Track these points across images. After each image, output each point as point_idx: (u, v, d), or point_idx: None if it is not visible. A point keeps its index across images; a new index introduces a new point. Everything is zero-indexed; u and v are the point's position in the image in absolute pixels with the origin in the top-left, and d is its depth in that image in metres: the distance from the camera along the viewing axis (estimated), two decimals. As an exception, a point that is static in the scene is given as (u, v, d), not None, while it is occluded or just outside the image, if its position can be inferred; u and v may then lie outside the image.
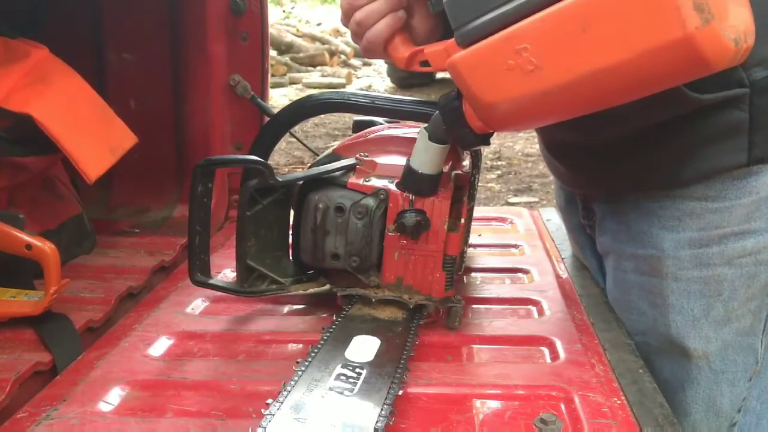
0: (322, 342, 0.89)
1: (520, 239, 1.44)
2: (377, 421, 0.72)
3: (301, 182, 1.03)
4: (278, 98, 7.02)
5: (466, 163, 1.06)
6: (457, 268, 1.04)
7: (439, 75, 8.24)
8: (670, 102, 0.86)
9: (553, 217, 1.56)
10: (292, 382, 0.78)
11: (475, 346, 0.99)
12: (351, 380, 0.80)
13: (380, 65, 8.92)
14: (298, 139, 1.89)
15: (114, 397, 0.84)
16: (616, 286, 1.08)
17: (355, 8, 0.88)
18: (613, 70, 0.70)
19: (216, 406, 0.82)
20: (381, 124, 1.14)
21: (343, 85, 8.01)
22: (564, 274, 1.24)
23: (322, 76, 8.53)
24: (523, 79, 0.74)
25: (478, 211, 1.77)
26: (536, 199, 4.01)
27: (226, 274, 1.23)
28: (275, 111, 1.22)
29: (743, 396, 1.02)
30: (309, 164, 1.12)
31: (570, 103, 0.77)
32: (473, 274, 1.26)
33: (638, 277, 1.02)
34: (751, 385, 1.01)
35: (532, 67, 0.73)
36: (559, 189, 1.27)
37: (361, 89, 7.84)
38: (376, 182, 0.99)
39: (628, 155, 0.98)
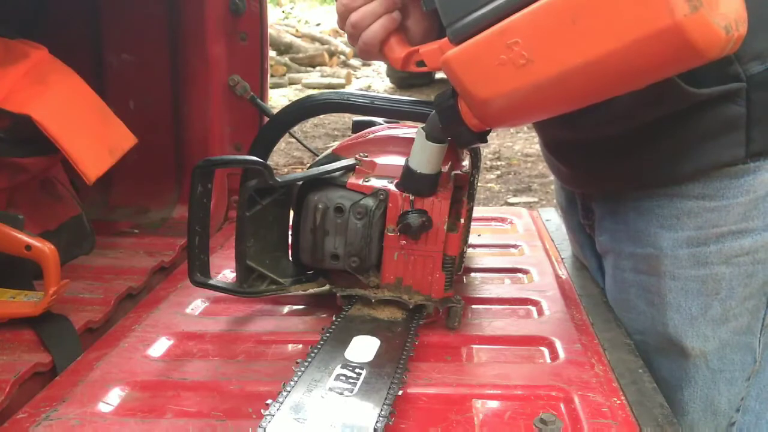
0: (321, 342, 0.89)
1: (520, 239, 1.44)
2: (377, 422, 0.72)
3: (300, 183, 1.03)
4: (277, 99, 7.02)
5: (466, 163, 1.06)
6: (456, 268, 1.04)
7: (438, 75, 8.24)
8: (667, 97, 0.86)
9: (552, 217, 1.56)
10: (292, 383, 0.78)
11: (475, 346, 0.99)
12: (351, 380, 0.80)
13: (379, 66, 8.91)
14: (297, 140, 1.89)
15: (114, 397, 0.84)
16: (614, 285, 1.08)
17: (350, 10, 0.88)
18: (603, 61, 0.70)
19: (216, 406, 0.82)
20: (380, 124, 1.14)
21: (342, 86, 8.01)
22: (563, 274, 1.24)
23: (322, 76, 8.52)
24: (516, 74, 0.74)
25: (478, 212, 1.77)
26: (536, 199, 4.01)
27: (226, 274, 1.23)
28: (274, 111, 1.22)
29: (742, 395, 1.02)
30: (308, 165, 1.12)
31: (563, 96, 0.77)
32: (473, 275, 1.26)
33: (636, 276, 1.02)
34: (749, 384, 1.01)
35: (524, 61, 0.73)
36: (560, 188, 1.27)
37: (361, 89, 7.84)
38: (376, 182, 0.99)
39: (627, 152, 0.98)
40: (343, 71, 8.72)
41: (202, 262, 1.02)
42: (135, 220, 1.57)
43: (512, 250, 1.40)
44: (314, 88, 7.86)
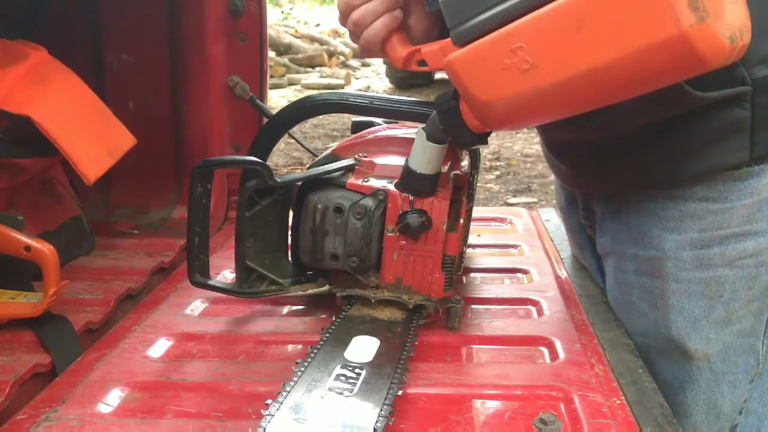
0: (321, 343, 0.89)
1: (520, 239, 1.44)
2: (377, 422, 0.72)
3: (299, 183, 1.03)
4: (277, 99, 7.02)
5: (465, 163, 1.06)
6: (456, 268, 1.04)
7: (438, 75, 8.24)
8: (672, 100, 0.86)
9: (552, 217, 1.56)
10: (292, 383, 0.78)
11: (475, 347, 0.99)
12: (350, 380, 0.80)
13: (379, 66, 8.92)
14: (296, 140, 1.88)
15: (113, 398, 0.84)
16: (616, 287, 1.08)
17: (351, 8, 0.88)
18: (608, 68, 0.70)
19: (216, 407, 0.82)
20: (380, 125, 1.14)
21: (341, 86, 8.01)
22: (563, 274, 1.24)
23: (321, 77, 8.53)
24: (519, 78, 0.74)
25: (478, 212, 1.77)
26: (535, 200, 4.01)
27: (226, 275, 1.23)
28: (274, 112, 1.22)
29: (744, 398, 1.02)
30: (308, 165, 1.13)
31: (566, 102, 0.77)
32: (473, 275, 1.26)
33: (639, 278, 1.02)
34: (752, 386, 1.01)
35: (528, 66, 0.73)
36: (560, 188, 1.27)
37: (360, 90, 7.85)
38: (375, 183, 0.99)
39: (630, 153, 0.98)
40: (343, 72, 8.72)
41: (202, 263, 1.02)
42: (135, 220, 1.57)
43: (512, 250, 1.40)
44: (313, 88, 7.87)
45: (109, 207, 1.62)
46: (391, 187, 0.98)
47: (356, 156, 1.03)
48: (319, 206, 0.99)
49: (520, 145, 5.22)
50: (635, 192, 1.00)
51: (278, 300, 1.11)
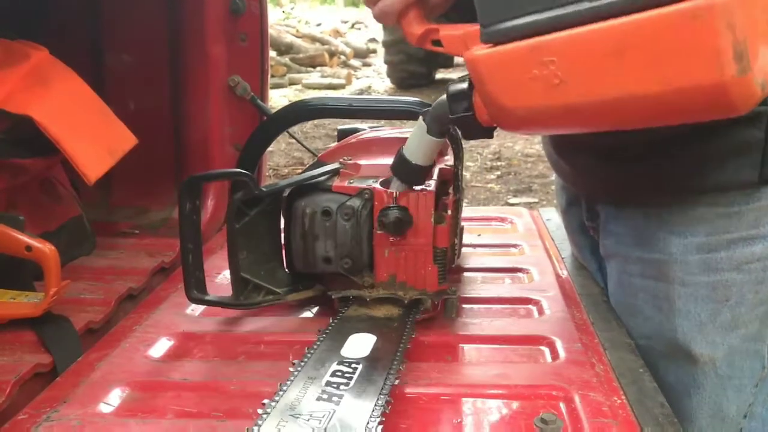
0: (318, 342, 0.89)
1: (520, 239, 1.44)
2: (373, 410, 0.72)
3: (287, 191, 1.03)
4: (278, 99, 7.01)
5: (449, 156, 1.07)
6: (449, 260, 1.05)
7: (438, 76, 8.24)
8: None
9: (553, 217, 1.56)
10: (288, 382, 0.78)
11: (475, 346, 0.99)
12: (347, 375, 0.80)
13: (380, 66, 8.91)
14: (297, 140, 1.89)
15: (114, 398, 0.84)
16: (620, 290, 1.08)
17: None
18: (639, 99, 0.68)
19: (216, 406, 0.82)
20: (365, 130, 1.16)
21: (343, 86, 8.01)
22: (564, 274, 1.24)
23: (322, 76, 8.53)
24: (546, 91, 0.72)
25: (478, 211, 1.77)
26: (536, 200, 4.01)
27: (226, 275, 1.23)
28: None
29: (749, 402, 1.01)
30: (303, 169, 1.13)
31: (588, 121, 0.76)
32: (473, 274, 1.26)
33: (644, 281, 1.02)
34: (757, 390, 1.01)
35: (557, 82, 0.71)
36: (561, 189, 1.27)
37: (361, 90, 7.84)
38: (360, 183, 1.00)
39: (639, 161, 0.98)
40: (344, 71, 8.72)
41: (198, 279, 1.03)
42: (135, 220, 1.57)
43: (513, 249, 1.40)
44: (314, 88, 7.87)
45: (109, 207, 1.62)
46: (377, 185, 0.99)
47: (341, 160, 1.05)
48: (307, 211, 1.00)
49: (521, 145, 5.22)
50: (643, 197, 1.00)
51: (279, 300, 1.11)
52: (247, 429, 0.70)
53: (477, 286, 1.20)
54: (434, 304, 1.02)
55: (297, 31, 10.53)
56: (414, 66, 7.40)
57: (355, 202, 0.99)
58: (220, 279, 1.22)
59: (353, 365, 0.83)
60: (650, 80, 0.67)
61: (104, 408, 0.82)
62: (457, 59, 9.18)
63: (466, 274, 1.26)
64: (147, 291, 1.25)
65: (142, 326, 1.04)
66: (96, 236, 1.42)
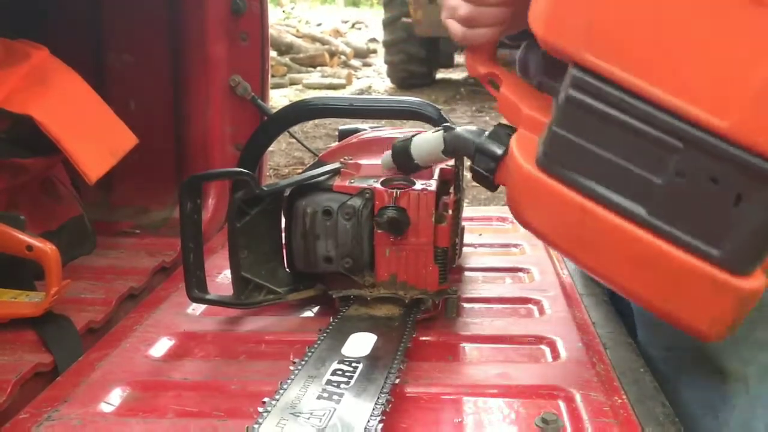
0: (319, 341, 0.89)
1: (521, 239, 1.44)
2: (374, 409, 0.72)
3: (288, 190, 1.03)
4: (278, 99, 7.01)
5: None
6: (450, 260, 1.05)
7: (439, 76, 8.24)
8: None
9: (553, 217, 1.56)
10: (289, 381, 0.79)
11: (476, 346, 0.99)
12: (347, 374, 0.81)
13: (380, 66, 8.90)
14: (298, 140, 1.89)
15: (115, 397, 0.84)
16: None
17: (475, 1, 0.81)
18: (636, 294, 0.73)
19: (217, 406, 0.82)
20: (366, 130, 1.16)
21: (343, 86, 8.00)
22: (564, 274, 1.24)
23: (323, 76, 8.52)
24: (568, 237, 0.75)
25: (479, 211, 1.77)
26: (537, 199, 4.00)
27: (227, 275, 1.23)
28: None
29: None
30: (305, 168, 1.14)
31: (589, 272, 0.79)
32: (474, 274, 1.26)
33: None
34: None
35: (582, 240, 0.73)
36: None
37: (361, 90, 7.84)
38: (361, 182, 1.00)
39: None
40: (344, 71, 8.71)
41: (199, 279, 1.03)
42: (136, 220, 1.57)
43: (513, 249, 1.40)
44: (315, 88, 7.86)
45: (110, 206, 1.62)
46: (377, 185, 0.99)
47: (342, 159, 1.05)
48: (308, 210, 1.00)
49: (521, 145, 5.21)
50: None
51: (279, 299, 1.11)
52: (248, 427, 0.70)
53: (478, 285, 1.20)
54: (435, 303, 1.01)
55: (297, 31, 10.53)
56: (414, 66, 7.39)
57: (356, 202, 0.99)
58: (221, 278, 1.22)
59: (354, 364, 0.83)
60: (652, 292, 0.71)
61: (105, 407, 0.82)
62: (457, 59, 9.14)
63: (467, 273, 1.26)
64: (148, 290, 1.25)
65: (142, 326, 1.04)
66: (97, 236, 1.42)
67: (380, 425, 0.71)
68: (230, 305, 1.05)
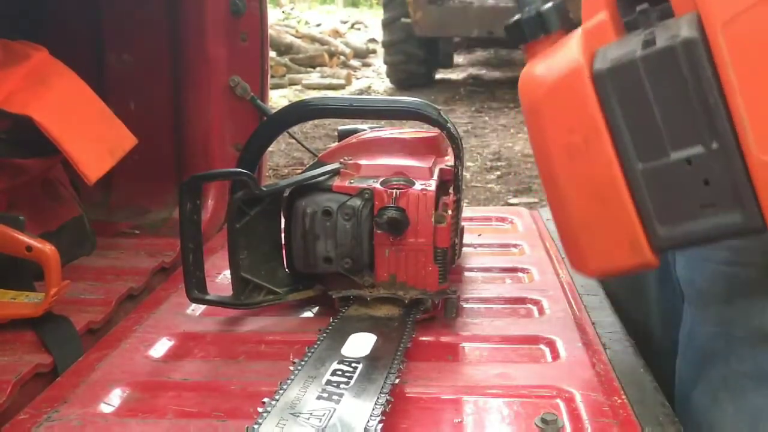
0: (318, 342, 0.89)
1: (520, 239, 1.44)
2: (374, 409, 0.72)
3: (287, 190, 1.03)
4: (277, 99, 7.01)
5: (449, 157, 1.07)
6: (450, 260, 1.05)
7: (438, 76, 8.24)
8: None
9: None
10: (288, 381, 0.79)
11: (476, 346, 0.99)
12: (347, 374, 0.81)
13: (380, 66, 8.90)
14: (297, 141, 1.89)
15: (115, 398, 0.84)
16: (695, 274, 1.02)
17: None
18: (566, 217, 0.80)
19: (217, 406, 0.82)
20: (365, 131, 1.16)
21: (342, 86, 8.00)
22: (564, 274, 1.24)
23: (322, 77, 8.52)
24: (561, 148, 0.77)
25: (478, 211, 1.77)
26: (536, 200, 4.01)
27: (226, 275, 1.23)
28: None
29: None
30: (303, 169, 1.14)
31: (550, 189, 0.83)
32: (474, 274, 1.26)
33: (730, 267, 0.96)
34: None
35: (576, 157, 0.77)
36: None
37: (361, 90, 7.84)
38: (361, 183, 1.00)
39: None
40: (343, 72, 8.71)
41: (198, 279, 1.03)
42: (135, 220, 1.57)
43: (513, 249, 1.40)
44: (314, 88, 7.86)
45: (110, 207, 1.62)
46: (377, 185, 0.99)
47: (341, 160, 1.05)
48: (308, 211, 1.00)
49: (521, 146, 5.22)
50: None
51: (279, 300, 1.11)
52: (248, 428, 0.70)
53: (477, 285, 1.20)
54: (435, 303, 1.02)
55: (296, 31, 10.51)
56: (414, 66, 7.38)
57: (356, 202, 0.99)
58: (221, 279, 1.22)
59: (353, 364, 0.83)
60: (588, 223, 0.78)
61: (105, 408, 0.82)
62: (457, 59, 9.12)
63: (466, 273, 1.26)
64: (147, 291, 1.25)
65: (142, 326, 1.04)
66: (96, 236, 1.42)
67: (380, 425, 0.71)
68: (230, 306, 1.05)
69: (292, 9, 14.33)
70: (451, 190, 1.05)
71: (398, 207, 0.97)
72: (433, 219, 0.98)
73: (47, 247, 1.02)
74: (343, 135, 1.18)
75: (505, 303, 1.13)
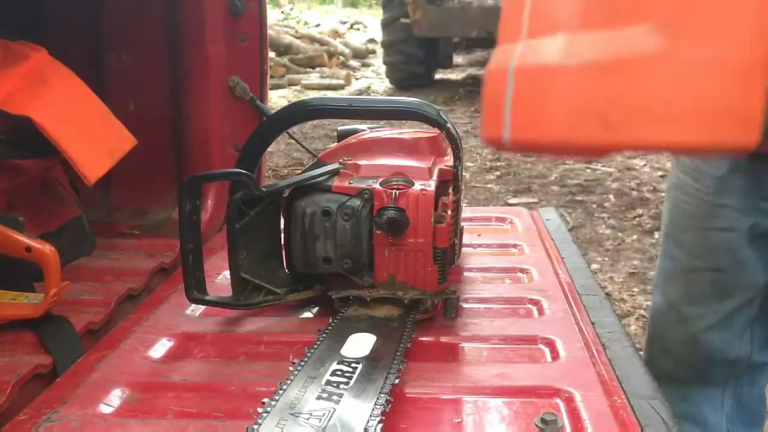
0: (318, 342, 0.89)
1: (520, 239, 1.44)
2: (373, 409, 0.72)
3: (287, 191, 1.03)
4: (277, 99, 7.01)
5: (449, 157, 1.07)
6: (449, 260, 1.05)
7: (437, 76, 8.24)
8: None
9: (552, 217, 1.56)
10: (288, 381, 0.79)
11: (476, 346, 0.99)
12: (347, 374, 0.81)
13: (379, 66, 8.91)
14: (297, 141, 1.89)
15: (114, 399, 0.84)
16: None
17: None
18: None
19: (216, 407, 0.82)
20: (365, 131, 1.16)
21: (342, 87, 8.00)
22: (564, 274, 1.24)
23: (321, 77, 8.52)
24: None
25: (478, 211, 1.77)
26: (535, 200, 4.01)
27: (226, 275, 1.23)
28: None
29: None
30: (302, 170, 1.14)
31: None
32: (473, 274, 1.26)
33: None
34: None
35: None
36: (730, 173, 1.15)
37: (360, 90, 7.84)
38: (360, 183, 1.00)
39: None
40: (343, 72, 8.71)
41: (198, 280, 1.03)
42: (135, 221, 1.57)
43: (512, 249, 1.40)
44: (314, 89, 7.86)
45: (109, 208, 1.62)
46: (377, 185, 0.99)
47: (341, 160, 1.05)
48: (308, 211, 1.00)
49: (520, 145, 5.22)
50: None
51: (279, 300, 1.11)
52: (247, 428, 0.70)
53: (477, 286, 1.20)
54: (434, 304, 1.02)
55: (296, 31, 10.52)
56: (413, 66, 7.39)
57: (355, 202, 0.99)
58: (220, 279, 1.22)
59: (353, 365, 0.83)
60: None
61: (104, 409, 0.82)
62: (456, 59, 9.12)
63: (466, 274, 1.26)
64: (147, 291, 1.25)
65: (142, 327, 1.04)
66: (96, 237, 1.42)
67: (380, 426, 0.71)
68: (229, 306, 1.05)
69: (291, 9, 14.33)
70: (450, 190, 1.05)
71: (398, 207, 0.97)
72: (432, 219, 0.98)
73: (47, 248, 1.01)
74: (343, 135, 1.18)
75: (505, 303, 1.13)
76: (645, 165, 4.50)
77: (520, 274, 1.26)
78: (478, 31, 6.73)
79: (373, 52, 10.48)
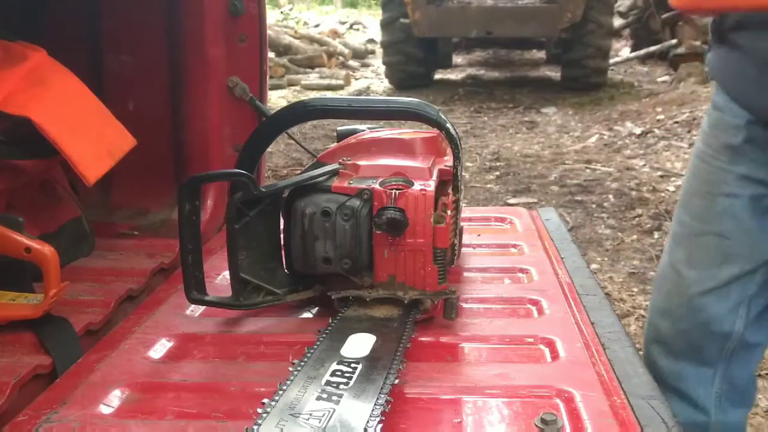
0: (318, 343, 0.89)
1: (520, 239, 1.44)
2: (373, 410, 0.72)
3: (286, 191, 1.03)
4: (276, 100, 7.00)
5: (448, 157, 1.07)
6: (449, 261, 1.05)
7: (437, 76, 8.24)
8: None
9: (552, 217, 1.56)
10: (288, 382, 0.79)
11: (475, 346, 0.99)
12: (347, 375, 0.81)
13: (378, 66, 8.90)
14: (296, 141, 1.89)
15: (114, 399, 0.84)
16: None
17: None
18: None
19: (216, 407, 0.82)
20: (364, 131, 1.16)
21: (341, 87, 8.00)
22: (563, 274, 1.24)
23: (321, 77, 8.51)
24: None
25: (478, 211, 1.77)
26: (535, 200, 4.01)
27: (225, 276, 1.22)
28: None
29: None
30: (301, 170, 1.14)
31: None
32: (473, 274, 1.26)
33: None
34: None
35: None
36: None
37: (359, 90, 7.84)
38: (360, 183, 1.00)
39: None
40: (342, 72, 8.71)
41: (198, 280, 1.03)
42: (135, 221, 1.57)
43: (512, 249, 1.40)
44: (313, 89, 7.86)
45: (109, 208, 1.62)
46: (376, 185, 0.99)
47: (340, 160, 1.05)
48: (307, 211, 1.00)
49: (519, 146, 5.22)
50: None
51: (278, 300, 1.11)
52: (247, 429, 0.70)
53: (477, 286, 1.20)
54: (434, 304, 1.01)
55: (295, 32, 10.51)
56: (412, 67, 7.39)
57: (355, 203, 0.99)
58: (220, 280, 1.22)
59: (353, 365, 0.83)
60: None
61: (104, 409, 0.82)
62: (456, 60, 9.13)
63: (465, 274, 1.26)
64: (146, 292, 1.25)
65: (141, 327, 1.04)
66: (95, 237, 1.42)
67: (379, 426, 0.71)
68: (229, 306, 1.05)
69: (290, 9, 14.33)
70: (450, 191, 1.05)
71: (397, 207, 0.97)
72: (432, 219, 0.98)
73: (46, 249, 1.01)
74: (342, 135, 1.18)
75: (505, 303, 1.13)
76: (645, 165, 4.51)
77: (519, 274, 1.26)
78: (477, 31, 6.73)
79: (373, 52, 10.48)
